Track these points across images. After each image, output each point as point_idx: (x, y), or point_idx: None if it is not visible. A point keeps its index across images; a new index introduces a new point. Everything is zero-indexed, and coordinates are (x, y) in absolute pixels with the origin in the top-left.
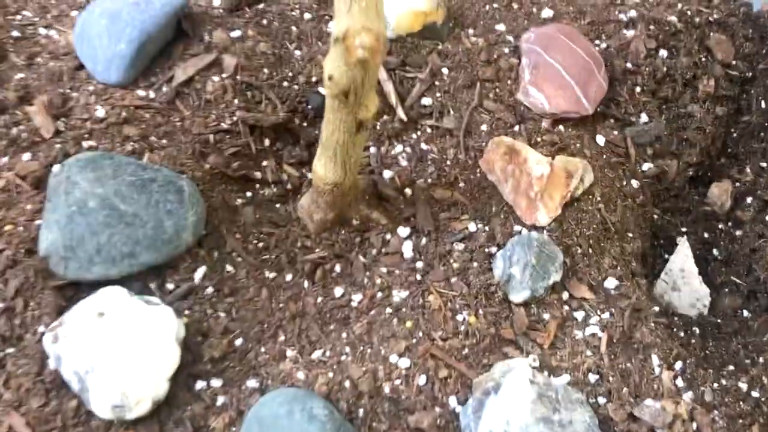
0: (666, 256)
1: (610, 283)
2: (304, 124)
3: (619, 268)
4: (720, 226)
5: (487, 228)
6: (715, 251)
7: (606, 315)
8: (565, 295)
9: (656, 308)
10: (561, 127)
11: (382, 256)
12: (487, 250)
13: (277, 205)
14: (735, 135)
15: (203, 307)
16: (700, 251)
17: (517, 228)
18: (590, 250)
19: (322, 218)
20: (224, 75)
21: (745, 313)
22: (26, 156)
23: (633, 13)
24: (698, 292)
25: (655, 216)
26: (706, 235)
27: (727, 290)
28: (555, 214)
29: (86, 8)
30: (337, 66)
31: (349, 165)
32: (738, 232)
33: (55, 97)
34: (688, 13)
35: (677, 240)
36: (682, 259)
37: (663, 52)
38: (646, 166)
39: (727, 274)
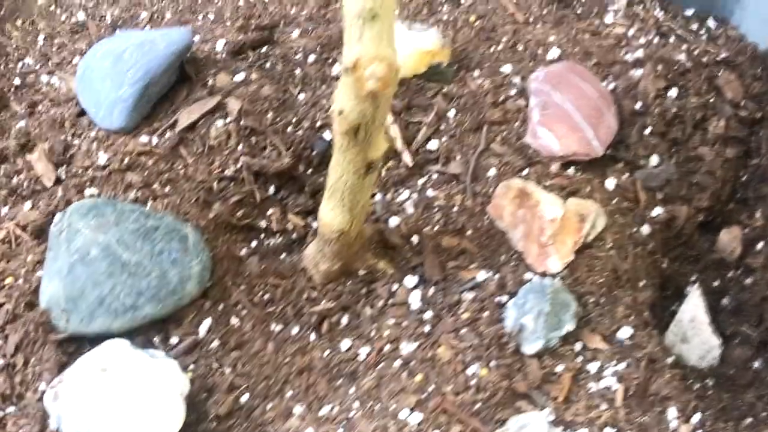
0: (674, 306)
1: (624, 333)
2: (309, 171)
3: (632, 317)
4: (730, 273)
5: (496, 276)
6: (724, 300)
7: (621, 366)
8: (578, 346)
9: (669, 359)
10: (570, 170)
11: (389, 306)
12: (497, 299)
13: (282, 255)
14: (744, 179)
15: (208, 361)
16: (710, 300)
17: (527, 276)
18: (603, 299)
19: (328, 268)
20: (228, 120)
21: (757, 364)
22: (27, 205)
23: (640, 54)
24: (709, 343)
25: (664, 265)
26: (715, 283)
27: (737, 340)
28: (567, 260)
29: (89, 52)
30: (347, 99)
31: (356, 211)
32: (748, 280)
33: (57, 145)
34: (696, 52)
35: (686, 289)
36: (693, 308)
37: (672, 92)
38: (655, 212)
39: (737, 323)
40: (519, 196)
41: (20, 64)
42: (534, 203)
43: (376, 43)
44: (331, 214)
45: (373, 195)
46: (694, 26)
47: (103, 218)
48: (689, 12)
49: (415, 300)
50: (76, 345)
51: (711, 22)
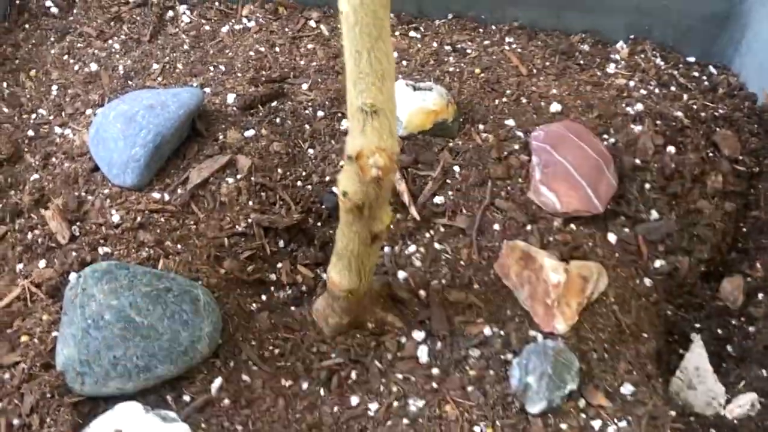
0: (681, 352)
1: (627, 389)
2: (318, 224)
3: (634, 372)
4: (733, 321)
5: (502, 333)
6: (729, 347)
7: (623, 423)
8: (582, 403)
9: (673, 413)
10: (573, 226)
11: (397, 361)
12: (503, 357)
13: (292, 308)
14: (745, 230)
15: (220, 419)
16: (714, 347)
17: (532, 333)
18: (606, 355)
19: (337, 322)
20: (239, 176)
21: (760, 413)
22: (42, 263)
23: (639, 107)
24: (714, 391)
25: (669, 312)
26: (719, 331)
27: (742, 388)
28: (572, 322)
29: (101, 111)
30: (351, 183)
31: (364, 273)
32: (751, 329)
33: (70, 201)
34: (694, 107)
35: (691, 336)
36: (697, 357)
37: (671, 148)
38: (658, 263)
39: (741, 371)
40: (523, 258)
41: (34, 115)
42: (538, 267)
43: (378, 136)
44: (339, 276)
45: (381, 248)
46: (695, 73)
47: (117, 282)
48: (690, 59)
49: (423, 354)
50: (90, 406)
51: (712, 69)
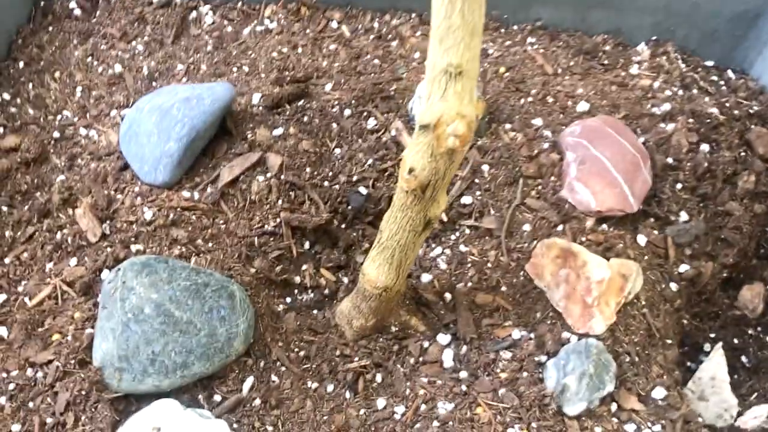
0: (688, 364)
1: (659, 393)
2: (343, 225)
3: (665, 377)
4: (750, 331)
5: (532, 335)
6: (743, 358)
7: (657, 428)
8: (614, 407)
9: (701, 419)
10: (605, 226)
11: (421, 365)
12: (536, 359)
13: (315, 311)
14: None
15: (251, 420)
16: (729, 357)
17: (566, 335)
18: (637, 358)
19: (362, 325)
20: (269, 174)
21: None
22: (73, 261)
23: (667, 106)
24: (727, 402)
25: (685, 321)
26: (735, 340)
27: (754, 399)
28: (610, 322)
29: (134, 106)
30: (419, 158)
31: (403, 267)
32: None
33: (100, 199)
34: (728, 105)
35: (704, 346)
36: (715, 366)
37: (704, 147)
38: (683, 268)
39: (755, 382)
40: (562, 256)
41: (59, 117)
42: (581, 264)
43: (459, 101)
44: (376, 272)
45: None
46: (714, 77)
47: (156, 276)
48: (709, 63)
49: (447, 358)
50: (125, 403)
51: (730, 74)
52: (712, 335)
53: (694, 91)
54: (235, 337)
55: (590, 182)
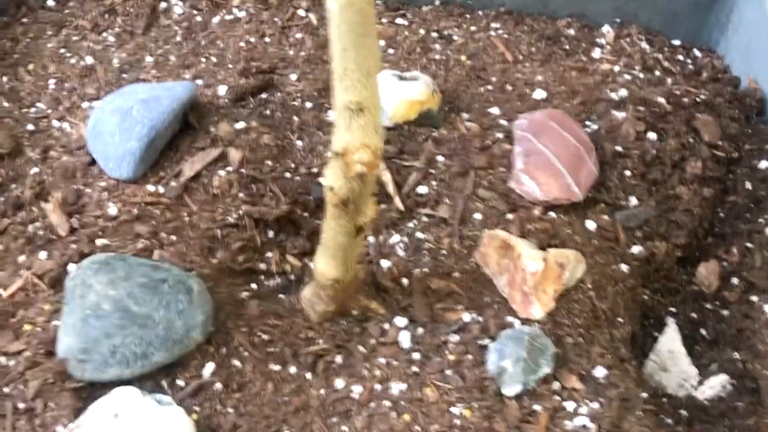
0: (655, 335)
1: (599, 371)
2: (306, 214)
3: (608, 356)
4: (708, 305)
5: (480, 319)
6: (703, 331)
7: (595, 405)
8: (557, 386)
9: (645, 394)
10: (552, 214)
11: (380, 346)
12: (480, 342)
13: (281, 296)
14: (722, 215)
15: (212, 403)
16: (689, 330)
17: (510, 319)
18: (581, 339)
19: (324, 310)
20: (230, 169)
21: (730, 394)
22: (43, 254)
23: (623, 92)
24: (686, 373)
25: (645, 297)
26: (694, 315)
27: (714, 369)
28: (549, 308)
29: (98, 105)
30: (337, 178)
31: (348, 263)
32: (725, 312)
33: (69, 194)
34: (677, 93)
35: (666, 320)
36: (670, 340)
37: (652, 135)
38: (635, 249)
39: (714, 354)
40: (503, 247)
41: (33, 109)
42: (516, 255)
43: (363, 132)
44: (325, 266)
45: (366, 238)
46: (680, 57)
47: (114, 273)
48: (676, 42)
49: (405, 340)
50: (90, 391)
51: (697, 53)
52: (673, 309)
53: (657, 73)
54: (193, 328)
55: (535, 174)
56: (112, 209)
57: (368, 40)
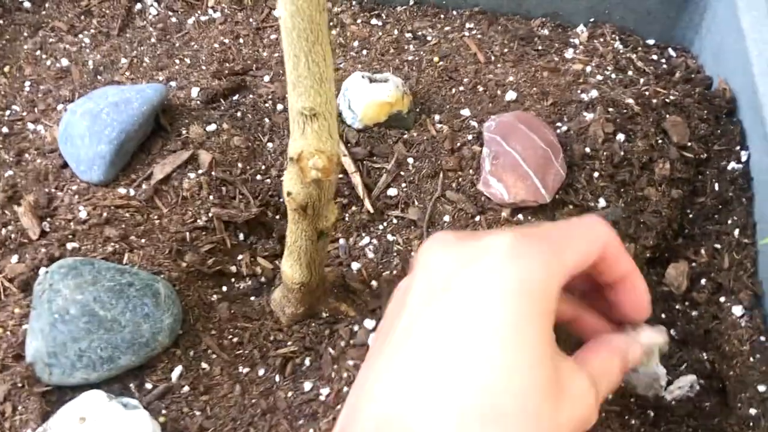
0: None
1: None
2: (277, 216)
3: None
4: (677, 306)
5: None
6: (672, 331)
7: None
8: None
9: (609, 396)
10: (520, 216)
11: (349, 348)
12: None
13: (252, 298)
14: (691, 216)
15: (179, 406)
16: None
17: None
18: None
19: (293, 312)
20: (200, 171)
21: (698, 394)
22: (14, 258)
23: (594, 93)
24: (655, 373)
25: None
26: (663, 315)
27: (684, 370)
28: None
29: (69, 108)
30: (294, 184)
31: (314, 267)
32: (694, 313)
33: (41, 197)
34: (647, 93)
35: None
36: None
37: (620, 136)
38: None
39: (683, 354)
40: None
41: (8, 112)
42: None
43: (317, 138)
44: (290, 270)
45: (336, 240)
46: (654, 56)
47: (82, 278)
48: (650, 41)
49: (373, 342)
50: (58, 394)
51: (671, 52)
52: None
53: (629, 73)
54: (160, 332)
55: (503, 177)
56: (83, 213)
57: (320, 47)
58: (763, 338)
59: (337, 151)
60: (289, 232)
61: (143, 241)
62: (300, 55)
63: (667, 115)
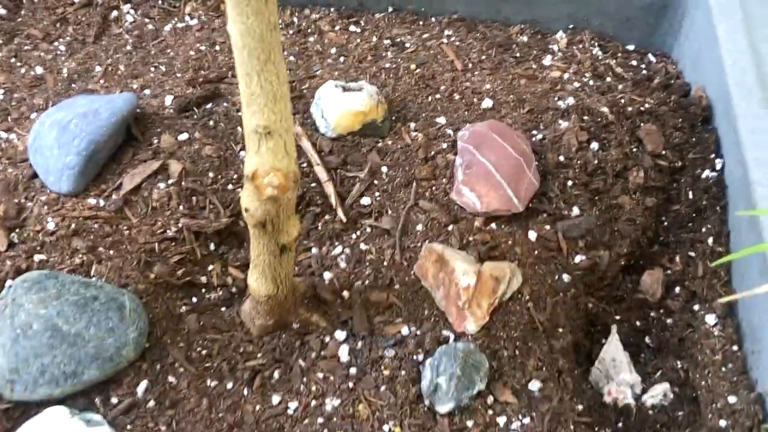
0: (603, 341)
1: (534, 385)
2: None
3: (544, 368)
4: (652, 314)
5: (418, 333)
6: (647, 339)
7: (527, 420)
8: (490, 399)
9: (581, 406)
10: (493, 225)
11: (320, 360)
12: (415, 357)
13: (223, 309)
14: (666, 223)
15: (145, 420)
16: (634, 338)
17: (446, 333)
18: (517, 352)
19: (263, 323)
20: (170, 181)
21: (672, 402)
22: None
23: (571, 100)
24: (629, 381)
25: (590, 305)
26: (638, 323)
27: (658, 377)
28: (483, 322)
29: (39, 119)
30: (251, 201)
31: (280, 279)
32: (669, 321)
33: (11, 208)
34: (622, 101)
35: (612, 327)
36: (613, 348)
37: (595, 145)
38: (578, 258)
39: (658, 362)
40: (438, 260)
41: None
42: (450, 270)
43: (273, 156)
44: (256, 283)
45: (309, 249)
46: (634, 62)
47: (45, 292)
48: (630, 47)
49: (344, 353)
50: (21, 410)
51: (651, 57)
52: (618, 317)
53: (607, 79)
54: (125, 346)
55: (476, 186)
56: (51, 224)
57: (272, 66)
58: (735, 347)
59: (294, 168)
60: (251, 246)
61: (111, 252)
62: (252, 74)
63: (642, 124)
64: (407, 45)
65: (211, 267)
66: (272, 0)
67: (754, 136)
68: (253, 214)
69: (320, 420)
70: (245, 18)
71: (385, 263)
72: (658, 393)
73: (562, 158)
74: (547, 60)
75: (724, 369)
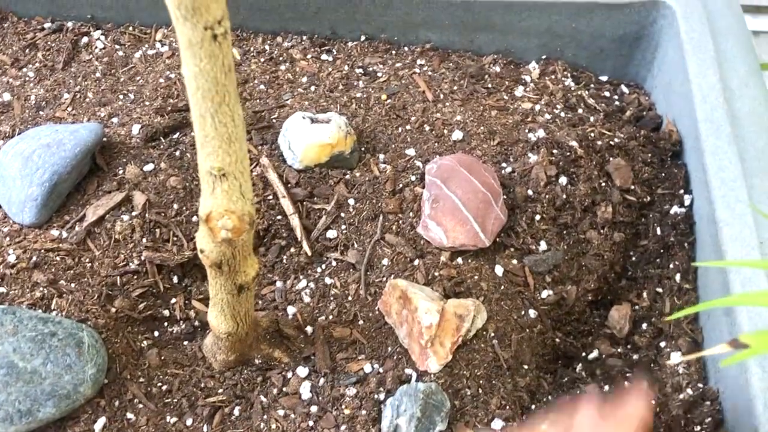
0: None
1: (497, 424)
2: None
3: (507, 407)
4: (619, 349)
5: (381, 370)
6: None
7: None
8: None
9: None
10: (459, 260)
11: (281, 396)
12: (376, 396)
13: (185, 342)
14: (634, 258)
15: None
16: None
17: (409, 372)
18: (480, 390)
19: (224, 359)
20: (134, 213)
21: None
22: None
23: (541, 133)
24: None
25: (557, 340)
26: (605, 356)
27: None
28: (446, 361)
29: (2, 149)
30: (205, 242)
31: (239, 317)
32: (635, 357)
33: None
34: (591, 135)
35: (578, 363)
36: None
37: (563, 179)
38: (545, 293)
39: None
40: (402, 297)
41: None
42: (413, 308)
43: (227, 198)
44: (216, 321)
45: (273, 282)
46: (607, 93)
47: (2, 328)
48: (603, 78)
49: (305, 391)
50: None
51: (624, 89)
52: (584, 353)
53: (579, 111)
54: (82, 383)
55: (442, 220)
56: (12, 256)
57: (227, 108)
58: (701, 385)
59: (250, 210)
60: (209, 285)
61: (73, 285)
62: (206, 116)
63: (611, 158)
64: (379, 74)
65: (173, 300)
66: (227, 43)
67: (722, 173)
68: (208, 255)
69: None
70: (198, 61)
71: (350, 298)
72: None
73: (530, 192)
74: (519, 91)
75: (684, 411)
